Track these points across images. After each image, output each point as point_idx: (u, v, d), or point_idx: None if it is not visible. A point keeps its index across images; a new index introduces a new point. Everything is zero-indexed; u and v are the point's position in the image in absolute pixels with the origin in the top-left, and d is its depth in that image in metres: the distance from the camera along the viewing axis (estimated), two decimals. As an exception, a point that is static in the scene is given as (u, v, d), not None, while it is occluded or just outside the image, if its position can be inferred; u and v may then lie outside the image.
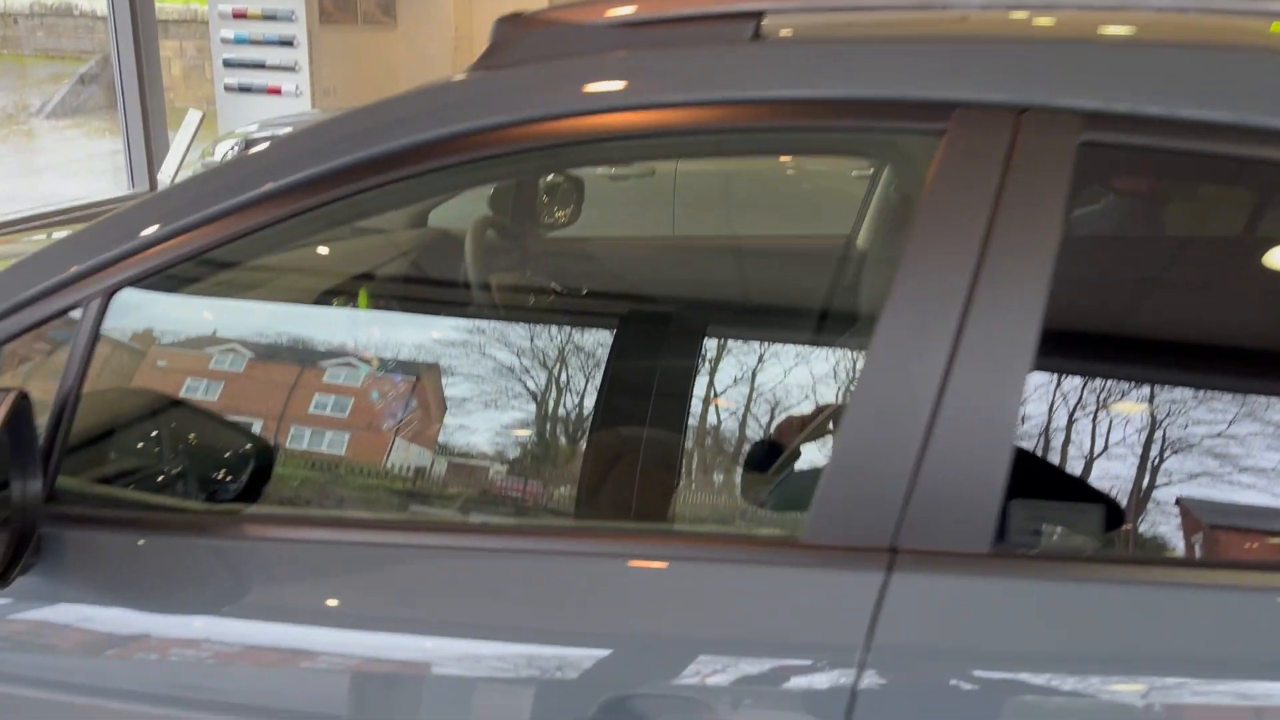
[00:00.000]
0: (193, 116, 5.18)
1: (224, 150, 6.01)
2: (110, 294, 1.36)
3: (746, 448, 1.83)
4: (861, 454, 1.17)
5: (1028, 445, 1.28)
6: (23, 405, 1.24)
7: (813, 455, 1.66)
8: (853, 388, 1.78)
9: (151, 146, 6.42)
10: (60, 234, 2.34)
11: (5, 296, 1.40)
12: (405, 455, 1.82)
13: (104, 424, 1.48)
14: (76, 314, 1.37)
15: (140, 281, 1.37)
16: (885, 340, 1.17)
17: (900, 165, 1.48)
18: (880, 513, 1.16)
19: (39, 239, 2.87)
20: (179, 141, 5.16)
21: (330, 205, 1.36)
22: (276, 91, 8.55)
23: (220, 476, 1.55)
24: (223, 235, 1.36)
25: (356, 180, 1.34)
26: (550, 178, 3.01)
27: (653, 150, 1.77)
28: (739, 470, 1.80)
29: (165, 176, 5.12)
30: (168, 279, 1.43)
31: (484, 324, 2.15)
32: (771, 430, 1.79)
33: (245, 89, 8.58)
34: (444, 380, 1.90)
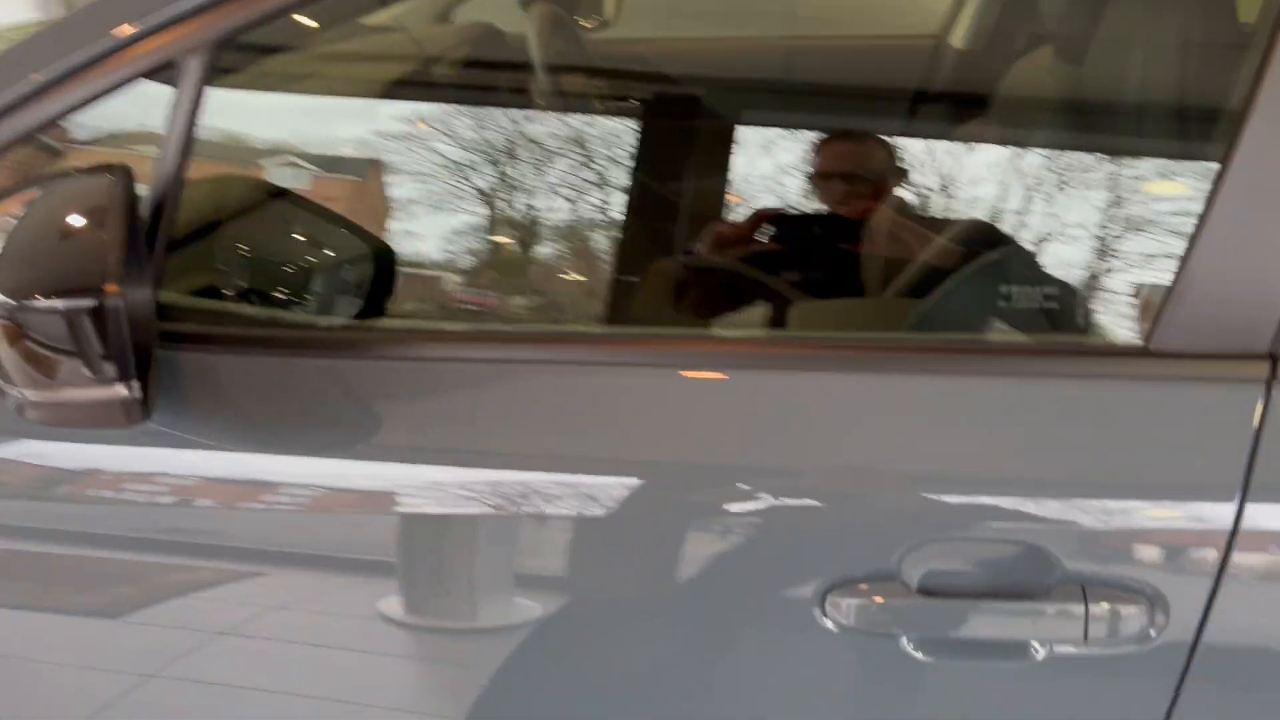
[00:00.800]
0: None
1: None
2: (218, 46, 1.04)
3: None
4: (1231, 248, 0.94)
5: None
6: (130, 187, 0.93)
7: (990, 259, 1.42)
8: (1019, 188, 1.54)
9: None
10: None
11: (64, 50, 1.07)
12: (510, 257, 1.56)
13: (201, 220, 1.18)
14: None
15: (251, 32, 1.06)
16: (1263, 120, 0.92)
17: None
18: (1257, 315, 0.93)
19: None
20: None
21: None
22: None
23: (341, 285, 1.26)
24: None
25: None
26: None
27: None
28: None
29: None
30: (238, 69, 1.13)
31: (566, 119, 1.87)
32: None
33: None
34: (543, 180, 1.64)
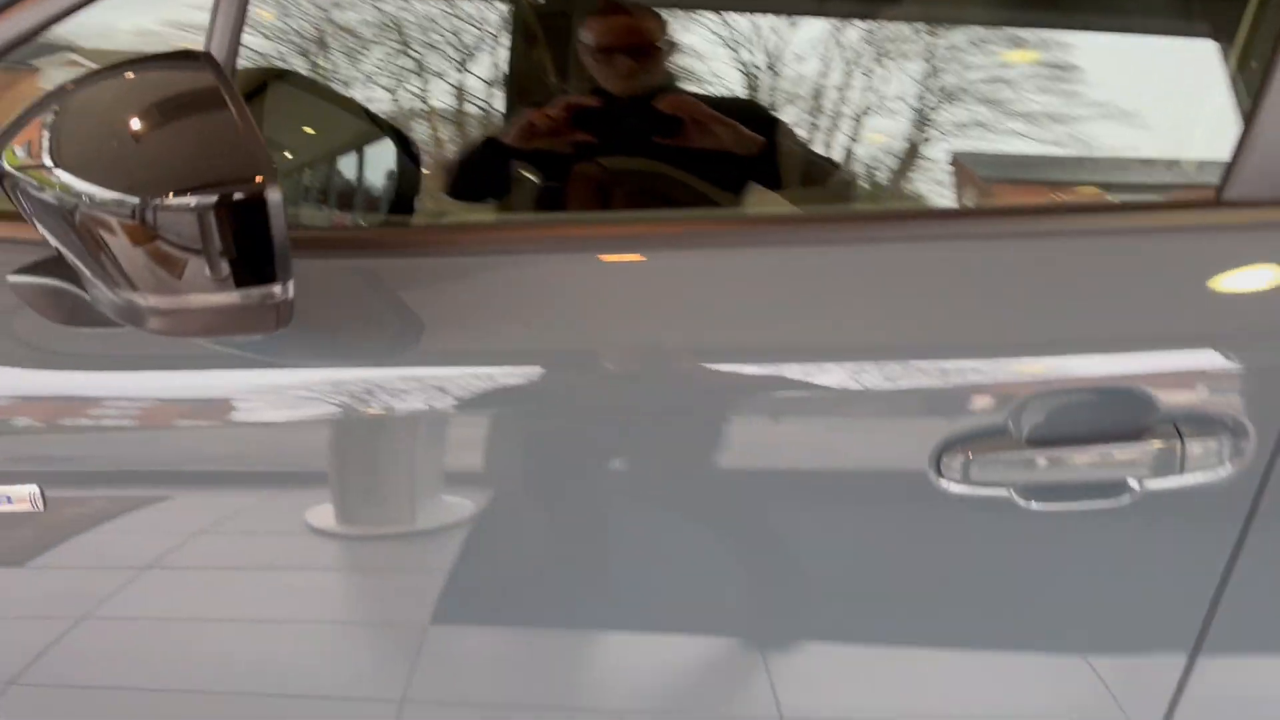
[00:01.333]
0: None
1: None
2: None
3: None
4: None
5: None
6: (224, 72, 0.85)
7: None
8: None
9: None
10: None
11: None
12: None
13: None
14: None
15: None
16: None
17: None
18: None
19: None
20: None
21: None
22: None
23: (370, 180, 1.19)
24: None
25: None
26: None
27: None
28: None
29: None
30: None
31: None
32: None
33: None
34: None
